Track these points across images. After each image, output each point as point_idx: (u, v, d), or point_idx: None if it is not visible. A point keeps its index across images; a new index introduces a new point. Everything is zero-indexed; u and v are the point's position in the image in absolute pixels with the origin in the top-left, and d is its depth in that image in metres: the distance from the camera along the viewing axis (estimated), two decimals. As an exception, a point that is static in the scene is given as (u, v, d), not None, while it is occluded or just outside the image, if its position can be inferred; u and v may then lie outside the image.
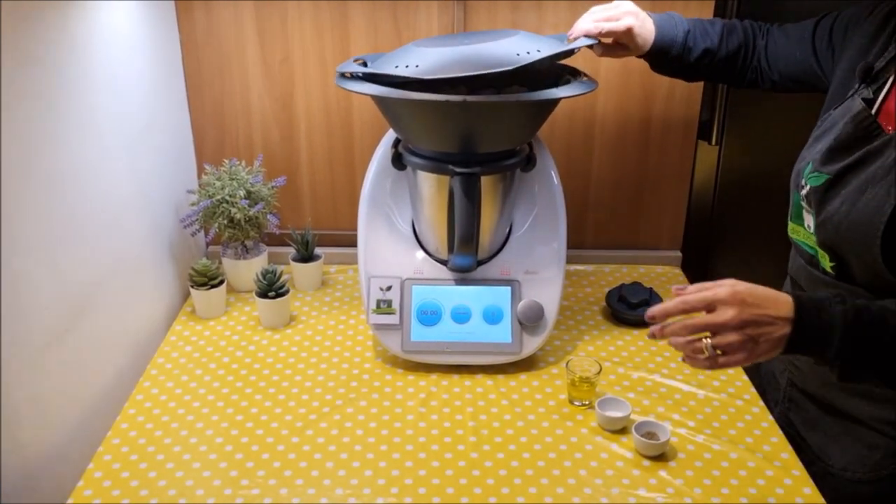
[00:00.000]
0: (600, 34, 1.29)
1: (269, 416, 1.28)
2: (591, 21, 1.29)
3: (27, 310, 1.08)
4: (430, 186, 1.35)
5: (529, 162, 1.37)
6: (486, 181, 1.31)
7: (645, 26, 1.30)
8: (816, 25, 1.27)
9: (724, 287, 0.96)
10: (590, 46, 1.31)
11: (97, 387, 1.28)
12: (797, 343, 0.95)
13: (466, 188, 1.27)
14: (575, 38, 1.30)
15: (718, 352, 0.96)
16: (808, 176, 1.14)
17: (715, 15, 1.63)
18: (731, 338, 0.95)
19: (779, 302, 0.95)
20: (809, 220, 1.14)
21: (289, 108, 1.70)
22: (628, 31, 1.29)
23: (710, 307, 0.96)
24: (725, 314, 0.94)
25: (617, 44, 1.33)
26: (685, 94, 1.69)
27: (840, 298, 0.96)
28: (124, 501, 1.10)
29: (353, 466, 1.17)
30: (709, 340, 0.96)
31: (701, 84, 1.69)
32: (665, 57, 1.34)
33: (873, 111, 1.08)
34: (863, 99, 1.09)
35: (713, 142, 1.79)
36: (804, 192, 1.15)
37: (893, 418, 1.13)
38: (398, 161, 1.38)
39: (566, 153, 1.72)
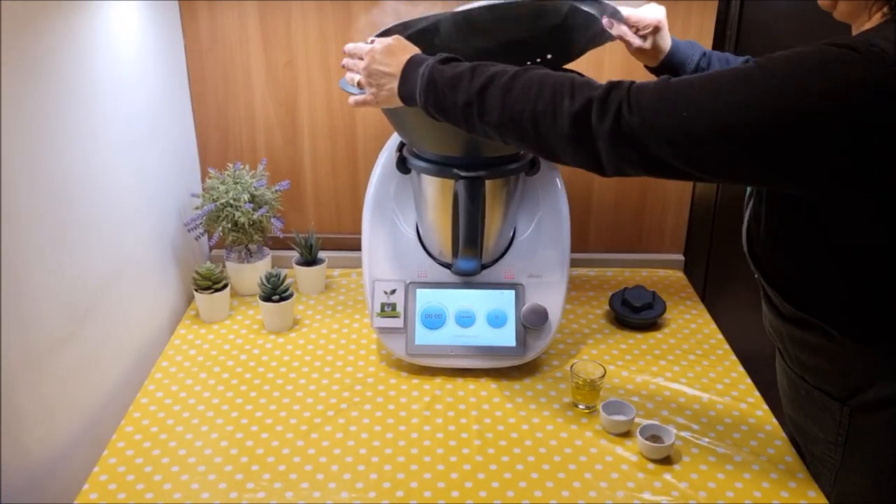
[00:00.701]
0: (628, 20, 1.25)
1: (274, 419, 1.28)
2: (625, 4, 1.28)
3: (32, 313, 1.08)
4: (435, 190, 1.36)
5: (533, 166, 1.38)
6: (490, 185, 1.31)
7: (667, 35, 1.28)
8: None
9: (373, 43, 1.13)
10: (602, 16, 1.25)
11: (102, 390, 1.28)
12: (402, 97, 1.10)
13: (471, 192, 1.28)
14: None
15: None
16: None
17: (717, 19, 1.64)
18: (362, 80, 1.14)
19: (398, 62, 1.10)
20: None
21: (292, 112, 1.71)
22: (655, 26, 1.26)
23: (361, 56, 1.15)
24: (359, 63, 1.14)
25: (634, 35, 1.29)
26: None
27: (441, 59, 1.06)
28: (130, 505, 1.10)
29: (357, 470, 1.18)
30: (354, 75, 1.16)
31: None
32: (677, 73, 1.28)
33: None
34: None
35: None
36: None
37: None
38: (402, 165, 1.38)
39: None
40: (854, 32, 0.96)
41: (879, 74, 0.83)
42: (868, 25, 0.94)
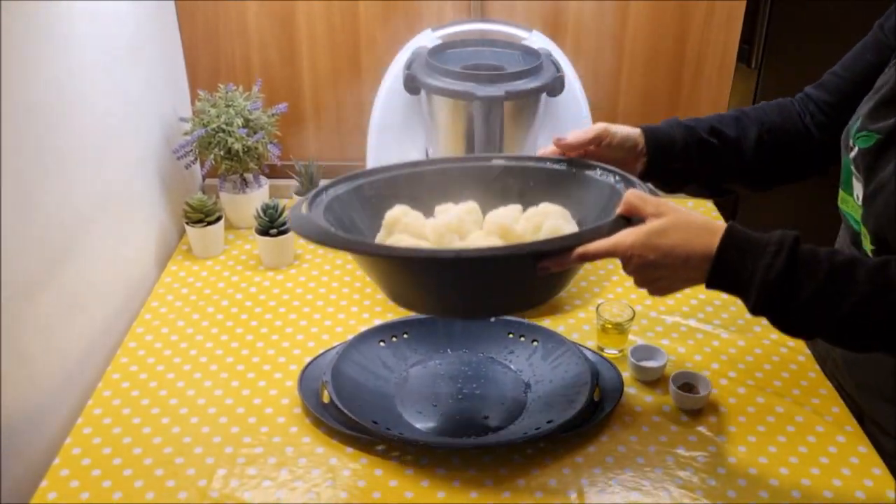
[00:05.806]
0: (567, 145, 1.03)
1: (272, 364, 1.19)
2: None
3: (7, 254, 0.96)
4: (448, 113, 1.24)
5: (557, 86, 1.24)
6: (509, 107, 1.18)
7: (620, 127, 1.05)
8: (880, 23, 1.05)
9: (624, 245, 0.85)
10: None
11: (86, 335, 1.18)
12: (714, 286, 0.85)
13: (488, 114, 1.15)
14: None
15: None
16: (855, 136, 0.96)
17: (746, 12, 1.50)
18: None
19: (689, 264, 0.84)
20: (859, 189, 0.96)
21: (289, 27, 1.56)
22: (601, 131, 1.03)
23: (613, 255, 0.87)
24: (628, 268, 0.87)
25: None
26: (725, 13, 1.55)
27: (775, 249, 0.81)
28: (115, 460, 1.01)
29: (364, 421, 1.08)
30: None
31: (743, 3, 1.54)
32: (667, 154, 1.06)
33: None
34: None
35: (753, 65, 1.65)
36: (852, 154, 0.97)
37: None
38: (411, 84, 1.25)
39: (592, 76, 1.58)
40: None
41: None
42: None
